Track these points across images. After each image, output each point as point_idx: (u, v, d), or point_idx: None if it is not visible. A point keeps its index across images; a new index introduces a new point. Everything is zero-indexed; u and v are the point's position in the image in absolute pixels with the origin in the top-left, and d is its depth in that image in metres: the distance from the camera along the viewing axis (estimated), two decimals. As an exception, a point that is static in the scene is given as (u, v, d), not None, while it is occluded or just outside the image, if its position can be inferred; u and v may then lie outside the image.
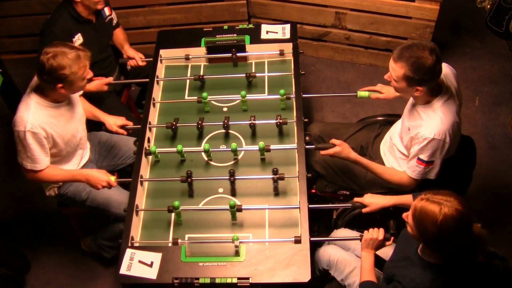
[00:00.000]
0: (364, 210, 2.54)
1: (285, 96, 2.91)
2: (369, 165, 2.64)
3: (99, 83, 3.10)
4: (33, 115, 2.54)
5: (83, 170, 2.78)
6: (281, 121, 2.83)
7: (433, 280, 1.98)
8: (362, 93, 2.97)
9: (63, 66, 2.44)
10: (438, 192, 1.92)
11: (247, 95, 2.96)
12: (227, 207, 2.61)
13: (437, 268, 1.99)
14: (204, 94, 2.96)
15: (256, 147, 2.75)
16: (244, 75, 3.09)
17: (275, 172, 2.64)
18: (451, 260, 1.97)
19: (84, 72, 2.53)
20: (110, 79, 3.18)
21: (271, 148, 2.71)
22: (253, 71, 3.21)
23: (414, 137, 2.48)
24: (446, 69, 2.52)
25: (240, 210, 2.52)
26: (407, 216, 2.00)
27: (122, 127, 2.95)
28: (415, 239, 1.99)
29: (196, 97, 3.01)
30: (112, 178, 2.68)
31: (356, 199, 2.56)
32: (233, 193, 2.69)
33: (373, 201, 2.51)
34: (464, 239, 1.89)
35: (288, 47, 3.21)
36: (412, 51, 2.31)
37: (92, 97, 3.13)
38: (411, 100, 2.61)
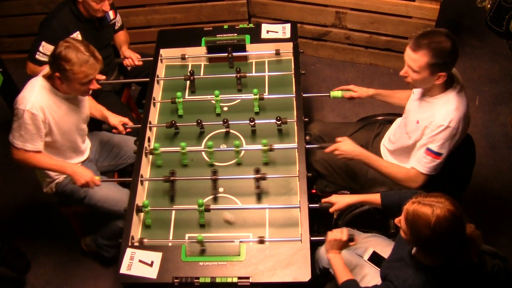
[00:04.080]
0: (331, 209, 2.50)
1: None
2: (375, 160, 2.62)
3: None
4: (36, 96, 2.55)
5: (72, 164, 2.76)
6: (280, 121, 2.82)
7: (425, 282, 1.97)
8: (335, 93, 2.95)
9: (67, 59, 2.46)
10: (428, 194, 1.92)
11: (248, 95, 2.96)
12: (227, 206, 2.62)
13: (430, 269, 1.98)
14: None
15: (257, 147, 2.75)
16: (242, 74, 3.09)
17: (257, 171, 2.63)
18: (445, 262, 1.96)
19: (84, 78, 2.51)
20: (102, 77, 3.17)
21: (274, 147, 2.71)
22: (254, 70, 3.22)
23: (425, 128, 2.45)
24: None
25: (208, 210, 2.52)
26: (400, 221, 2.00)
27: (123, 125, 2.95)
28: (409, 243, 1.99)
29: (195, 97, 3.02)
30: (97, 178, 2.69)
31: (323, 200, 2.53)
32: (232, 192, 2.68)
33: (338, 199, 2.49)
34: (458, 239, 1.88)
35: (288, 47, 3.21)
36: (430, 37, 2.30)
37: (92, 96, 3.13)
38: (414, 96, 2.59)
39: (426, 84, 2.44)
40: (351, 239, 2.33)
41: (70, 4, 3.11)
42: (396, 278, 2.04)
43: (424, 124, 2.45)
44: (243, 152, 2.84)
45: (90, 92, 2.66)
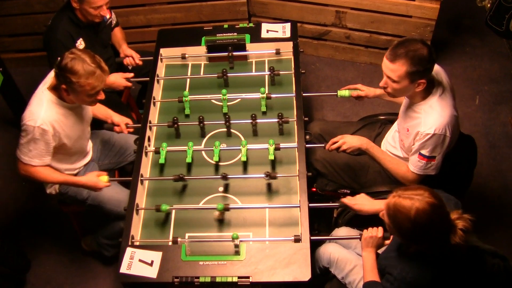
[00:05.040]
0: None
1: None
2: (380, 153, 2.66)
3: (119, 76, 3.15)
4: (45, 112, 2.54)
5: (78, 179, 2.74)
6: (282, 120, 2.82)
7: (420, 269, 2.00)
8: (343, 92, 2.95)
9: (74, 71, 2.42)
10: (408, 187, 1.95)
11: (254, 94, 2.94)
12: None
13: (424, 256, 2.00)
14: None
15: (259, 146, 2.76)
16: (243, 74, 3.08)
17: (267, 173, 2.62)
18: (436, 248, 1.98)
19: (91, 90, 2.48)
20: (130, 74, 3.19)
21: (280, 146, 2.72)
22: (253, 70, 3.21)
23: (415, 136, 2.48)
24: (436, 66, 2.52)
25: (227, 209, 2.52)
26: (383, 215, 2.01)
27: (126, 125, 2.95)
28: (394, 235, 2.01)
29: (199, 96, 3.03)
30: (105, 179, 2.67)
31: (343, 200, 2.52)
32: (232, 192, 2.69)
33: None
34: (440, 228, 1.90)
35: (288, 46, 3.21)
36: (406, 46, 2.31)
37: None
38: (405, 102, 2.61)
39: (406, 93, 2.47)
40: (386, 237, 2.33)
41: (68, 13, 3.11)
42: (394, 268, 2.07)
43: (413, 132, 2.49)
44: (245, 151, 2.84)
45: (97, 102, 2.64)
